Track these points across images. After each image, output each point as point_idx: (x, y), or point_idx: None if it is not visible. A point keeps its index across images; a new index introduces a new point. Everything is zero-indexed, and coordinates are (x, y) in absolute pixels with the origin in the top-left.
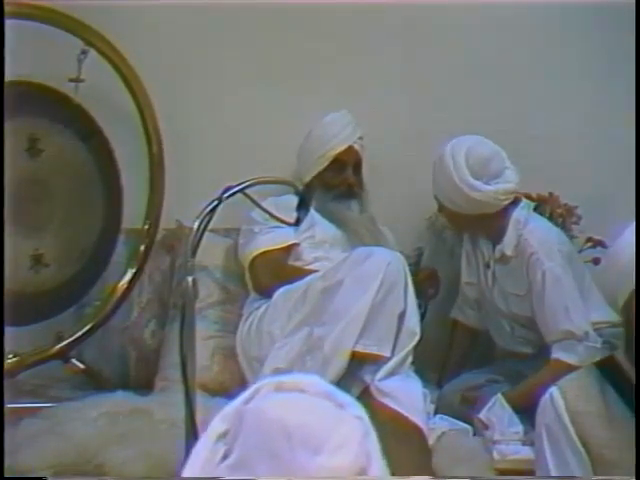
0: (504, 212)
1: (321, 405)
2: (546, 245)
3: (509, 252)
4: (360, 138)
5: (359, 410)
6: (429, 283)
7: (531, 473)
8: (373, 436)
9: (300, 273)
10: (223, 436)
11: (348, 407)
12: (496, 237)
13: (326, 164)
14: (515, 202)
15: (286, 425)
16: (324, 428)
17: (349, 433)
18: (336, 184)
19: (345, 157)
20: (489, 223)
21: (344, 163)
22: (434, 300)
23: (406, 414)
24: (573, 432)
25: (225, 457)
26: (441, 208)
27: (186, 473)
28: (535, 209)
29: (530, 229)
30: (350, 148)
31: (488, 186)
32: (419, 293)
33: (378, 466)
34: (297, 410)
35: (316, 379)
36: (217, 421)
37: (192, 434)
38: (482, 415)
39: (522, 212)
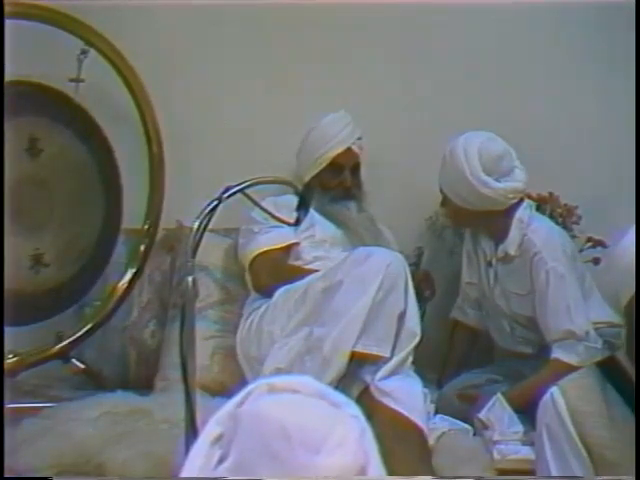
0: (508, 211)
1: (317, 405)
2: (550, 245)
3: (512, 251)
4: (359, 139)
5: (354, 409)
6: (425, 285)
7: (531, 473)
8: (370, 434)
9: (300, 273)
10: (218, 440)
11: (343, 406)
12: (499, 236)
13: (323, 166)
14: (518, 202)
15: (284, 426)
16: (322, 427)
17: (347, 432)
18: (333, 186)
19: (342, 159)
20: (492, 221)
21: (341, 165)
22: (434, 300)
23: (406, 414)
24: (574, 432)
25: (221, 461)
26: (445, 202)
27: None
28: (535, 209)
29: (533, 229)
30: (348, 150)
31: (498, 183)
32: (415, 296)
33: (376, 464)
34: (294, 410)
35: (309, 379)
36: (211, 425)
37: (192, 434)
38: (482, 415)
39: (525, 212)
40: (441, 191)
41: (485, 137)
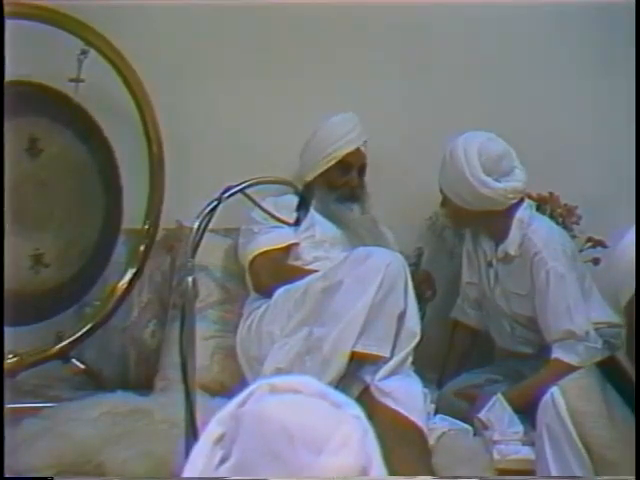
0: (508, 211)
1: (318, 405)
2: (550, 245)
3: (513, 251)
4: (365, 141)
5: (356, 409)
6: (425, 286)
7: (531, 473)
8: (372, 435)
9: (300, 273)
10: (220, 440)
11: (345, 406)
12: (499, 236)
13: (332, 164)
14: (519, 202)
15: (287, 426)
16: (324, 428)
17: (349, 432)
18: (340, 185)
19: (351, 159)
20: (493, 221)
21: (350, 165)
22: (434, 300)
23: (406, 414)
24: (574, 432)
25: (223, 461)
26: (445, 202)
27: None
28: (535, 209)
29: (534, 229)
30: (357, 150)
31: (498, 183)
32: (416, 297)
33: (378, 465)
34: (296, 410)
35: (310, 379)
36: (213, 425)
37: (192, 434)
38: (482, 415)
39: (526, 212)
40: (441, 191)
41: (485, 137)
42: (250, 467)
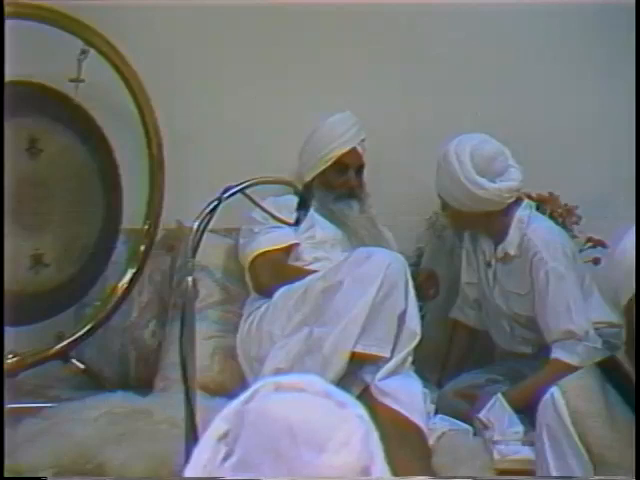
0: (507, 211)
1: (322, 404)
2: (550, 245)
3: (512, 251)
4: (363, 140)
5: (360, 409)
6: (429, 284)
7: (531, 473)
8: (375, 434)
9: (300, 273)
10: (224, 436)
11: (349, 406)
12: (498, 236)
13: (328, 164)
14: (518, 201)
15: (290, 424)
16: (327, 426)
17: (352, 431)
18: (338, 185)
19: (348, 159)
20: (492, 222)
21: (347, 165)
22: (434, 300)
23: (406, 414)
24: (574, 432)
25: (226, 457)
26: (444, 207)
27: (188, 474)
28: (535, 209)
29: (533, 228)
30: (353, 150)
31: (492, 184)
32: (419, 295)
33: (380, 464)
34: (300, 409)
35: (315, 378)
36: (217, 422)
37: (192, 434)
38: (482, 415)
39: (525, 211)
40: (439, 196)
41: (477, 139)
42: (252, 464)
